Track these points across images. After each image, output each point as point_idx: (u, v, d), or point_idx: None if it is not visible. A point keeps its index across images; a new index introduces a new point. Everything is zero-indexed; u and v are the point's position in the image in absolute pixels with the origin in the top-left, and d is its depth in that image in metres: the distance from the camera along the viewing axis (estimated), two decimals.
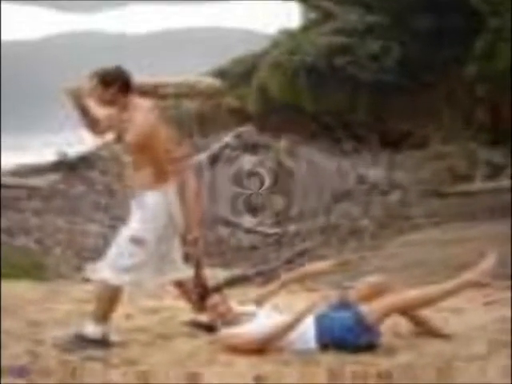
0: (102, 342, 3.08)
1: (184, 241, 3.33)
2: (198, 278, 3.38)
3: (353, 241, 7.63)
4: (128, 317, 3.68)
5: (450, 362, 2.78)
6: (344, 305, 3.18)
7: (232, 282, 5.49)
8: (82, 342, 3.07)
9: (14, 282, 4.56)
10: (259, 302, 3.45)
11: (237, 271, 6.25)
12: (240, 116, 13.97)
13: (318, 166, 10.78)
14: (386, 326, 3.12)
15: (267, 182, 9.53)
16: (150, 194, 3.14)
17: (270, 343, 3.09)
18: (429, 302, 3.13)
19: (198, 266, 3.39)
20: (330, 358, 2.93)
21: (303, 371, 2.80)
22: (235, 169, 9.84)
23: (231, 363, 2.95)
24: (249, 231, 9.09)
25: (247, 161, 10.05)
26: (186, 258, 3.45)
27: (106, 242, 3.94)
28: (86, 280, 4.42)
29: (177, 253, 3.36)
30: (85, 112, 3.21)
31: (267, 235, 8.80)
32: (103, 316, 3.13)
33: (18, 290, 4.31)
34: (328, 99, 13.16)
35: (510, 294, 3.96)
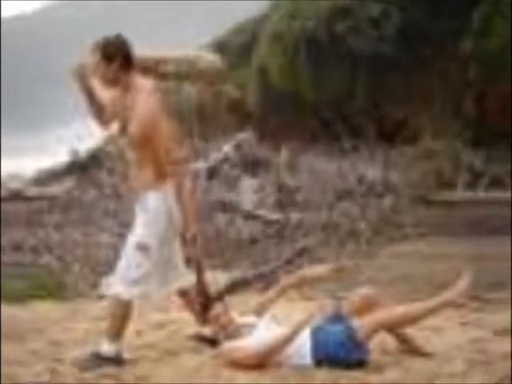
0: (116, 360, 3.18)
1: (184, 240, 3.38)
2: (200, 284, 3.44)
3: (351, 243, 7.69)
4: (138, 333, 3.78)
5: (433, 379, 2.86)
6: (338, 318, 3.24)
7: (232, 288, 5.50)
8: (98, 360, 3.16)
9: (39, 303, 4.64)
10: (259, 311, 3.50)
11: (237, 273, 6.19)
12: (240, 113, 13.73)
13: (319, 171, 10.74)
14: (374, 343, 3.21)
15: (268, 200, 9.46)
16: (151, 196, 3.20)
17: (269, 357, 3.16)
18: (413, 319, 3.20)
19: (199, 270, 3.44)
20: (325, 374, 3.01)
21: None
22: (231, 199, 9.66)
23: (233, 378, 3.02)
24: (248, 216, 8.98)
25: (247, 185, 9.95)
26: (188, 261, 3.50)
27: (116, 252, 4.01)
28: (101, 297, 4.48)
29: (178, 256, 3.41)
30: (91, 96, 3.24)
31: (268, 222, 8.73)
32: (117, 333, 3.21)
33: (43, 310, 4.41)
34: (327, 83, 12.85)
35: (482, 316, 4.04)
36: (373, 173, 10.13)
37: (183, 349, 3.46)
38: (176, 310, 4.25)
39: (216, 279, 5.18)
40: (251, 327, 3.32)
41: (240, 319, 3.42)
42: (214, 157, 10.60)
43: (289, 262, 6.95)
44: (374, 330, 3.15)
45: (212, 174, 10.15)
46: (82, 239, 7.54)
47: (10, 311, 4.19)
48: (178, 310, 4.14)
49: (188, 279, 3.45)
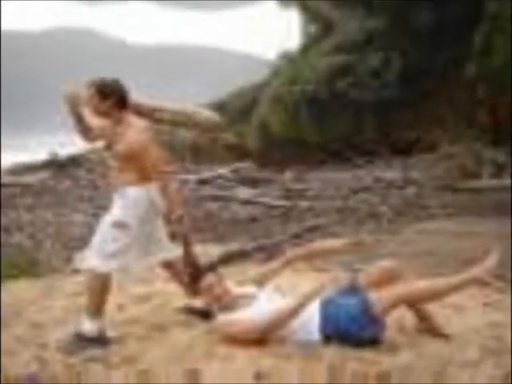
0: (100, 340, 3.40)
1: (168, 220, 3.58)
2: (188, 256, 3.54)
3: (371, 223, 7.84)
4: (120, 308, 3.97)
5: (446, 366, 3.04)
6: (353, 289, 3.31)
7: (227, 259, 5.52)
8: (82, 341, 3.38)
9: (14, 283, 4.87)
10: (260, 282, 3.54)
11: (233, 246, 6.27)
12: (238, 152, 14.47)
13: (331, 179, 11.18)
14: (391, 319, 3.34)
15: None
16: (132, 188, 3.46)
17: (271, 331, 3.20)
18: (436, 295, 3.31)
19: (186, 243, 3.56)
20: (332, 353, 3.11)
21: (304, 368, 2.97)
22: (227, 194, 10.10)
23: (230, 357, 3.13)
24: (246, 202, 9.32)
25: (244, 192, 10.25)
26: (173, 236, 3.68)
27: (90, 230, 4.28)
28: (76, 271, 4.69)
29: (161, 231, 3.62)
30: (79, 119, 3.51)
31: (271, 207, 8.95)
32: (97, 309, 3.43)
33: (18, 290, 4.63)
34: (332, 129, 13.82)
35: (504, 297, 4.24)
36: (391, 175, 10.93)
37: (172, 323, 3.61)
38: (161, 281, 4.41)
39: (207, 252, 5.26)
40: (250, 298, 3.35)
41: (237, 289, 3.46)
42: (207, 174, 11.18)
43: (297, 236, 6.97)
44: (393, 305, 3.21)
45: (202, 183, 10.72)
46: (54, 219, 8.11)
47: None
48: (163, 282, 4.31)
49: (173, 252, 3.65)
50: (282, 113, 14.51)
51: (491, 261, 3.25)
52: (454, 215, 8.14)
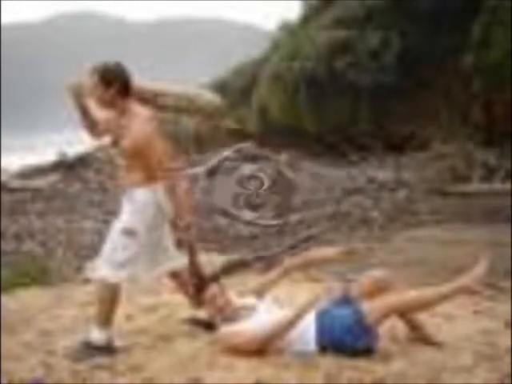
0: (107, 349, 3.32)
1: (175, 227, 3.48)
2: (193, 266, 3.48)
3: (363, 229, 7.78)
4: (128, 318, 3.90)
5: (439, 372, 2.98)
6: (346, 300, 3.27)
7: (230, 269, 5.49)
8: (89, 349, 3.30)
9: (24, 291, 4.79)
10: (259, 292, 3.51)
11: (235, 256, 6.22)
12: (239, 137, 14.17)
13: (324, 175, 11.08)
14: (383, 329, 3.29)
15: (266, 183, 9.62)
16: (139, 191, 3.35)
17: (270, 342, 3.18)
18: (426, 304, 3.26)
19: (191, 252, 3.49)
20: (329, 362, 3.06)
21: (302, 375, 2.94)
22: (235, 177, 10.04)
23: (232, 366, 3.09)
24: (248, 223, 9.11)
25: (247, 168, 10.24)
26: (179, 244, 3.59)
27: (100, 237, 4.17)
28: (87, 280, 4.62)
29: (168, 239, 3.54)
30: (85, 112, 3.40)
31: (268, 226, 8.84)
32: (106, 319, 3.35)
33: (29, 298, 4.56)
34: (329, 115, 13.47)
35: (495, 305, 4.17)
36: (384, 175, 10.64)
37: (177, 334, 3.55)
38: (167, 292, 4.35)
39: (211, 261, 5.19)
40: (251, 310, 3.33)
41: (238, 301, 3.43)
42: (213, 161, 10.97)
43: (293, 247, 6.94)
44: (385, 315, 3.17)
45: (211, 172, 10.51)
46: (65, 226, 7.89)
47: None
48: (170, 293, 4.24)
49: (179, 261, 3.56)
50: (281, 93, 14.14)
51: (480, 269, 3.19)
52: (444, 222, 7.93)
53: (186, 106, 3.86)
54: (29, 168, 12.65)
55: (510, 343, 3.29)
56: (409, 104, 13.13)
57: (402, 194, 9.59)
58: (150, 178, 3.33)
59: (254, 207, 9.98)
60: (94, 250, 3.54)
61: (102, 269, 3.33)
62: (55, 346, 3.46)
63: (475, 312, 3.98)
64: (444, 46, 12.49)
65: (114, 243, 3.32)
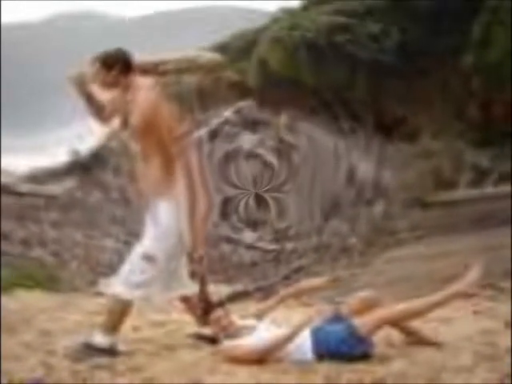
0: (110, 351, 2.92)
1: (190, 259, 3.19)
2: (203, 294, 3.26)
3: (344, 258, 7.46)
4: (135, 329, 3.53)
5: (439, 372, 2.62)
6: (337, 318, 3.05)
7: (234, 297, 5.34)
8: (90, 350, 2.91)
9: (26, 292, 4.37)
10: (259, 316, 3.34)
11: (238, 287, 6.11)
12: (240, 90, 13.26)
13: (318, 142, 10.18)
14: (379, 337, 2.98)
15: (268, 162, 8.91)
16: (162, 206, 2.96)
17: (269, 354, 2.96)
18: (416, 314, 3.00)
19: (202, 283, 3.27)
20: (327, 367, 2.77)
21: (301, 378, 2.68)
22: (234, 147, 9.14)
23: (232, 372, 2.80)
24: (249, 247, 8.78)
25: (247, 139, 9.35)
26: (192, 274, 3.30)
27: (120, 258, 3.81)
28: (99, 294, 4.26)
29: (184, 270, 3.22)
30: (90, 99, 3.07)
31: (266, 251, 8.57)
32: (113, 328, 2.98)
33: (30, 299, 4.15)
34: (327, 75, 12.56)
35: (496, 305, 3.82)
36: (365, 169, 9.43)
37: (182, 345, 3.24)
38: (177, 312, 4.01)
39: (218, 291, 4.95)
40: (251, 329, 3.15)
41: (240, 322, 3.24)
42: (215, 121, 10.01)
43: (286, 277, 6.87)
44: (377, 326, 2.94)
45: (213, 135, 9.58)
46: (83, 240, 7.21)
47: None
48: (180, 313, 3.90)
49: (191, 289, 3.26)
50: (281, 52, 13.20)
51: (473, 274, 2.92)
52: (425, 237, 7.24)
53: (186, 67, 3.48)
54: (40, 171, 10.79)
55: (509, 343, 2.90)
56: (405, 87, 12.06)
57: (378, 208, 8.55)
58: (167, 167, 2.94)
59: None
60: (111, 269, 3.18)
61: (116, 286, 3.00)
62: (55, 346, 3.06)
63: (475, 312, 3.63)
64: (444, 45, 11.50)
65: (133, 266, 2.98)
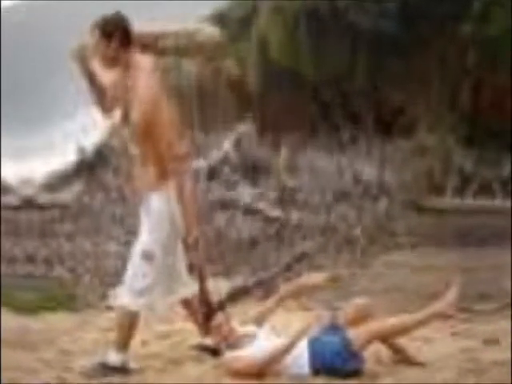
0: (122, 370, 3.15)
1: (186, 245, 3.30)
2: (203, 294, 3.39)
3: (347, 252, 7.66)
4: (144, 343, 3.75)
5: None
6: (334, 328, 3.24)
7: (233, 297, 5.44)
8: (104, 369, 3.13)
9: (50, 314, 4.61)
10: (258, 321, 3.48)
11: (238, 281, 6.05)
12: (239, 92, 12.80)
13: (319, 169, 10.01)
14: (369, 353, 3.18)
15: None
16: (154, 197, 3.11)
17: (268, 366, 3.13)
18: (404, 330, 3.19)
19: (201, 278, 3.39)
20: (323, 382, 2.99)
21: None
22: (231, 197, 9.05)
23: None
24: (248, 211, 8.50)
25: (247, 194, 9.18)
26: (190, 268, 3.45)
27: (123, 262, 3.87)
28: (109, 308, 4.41)
29: (182, 264, 3.36)
30: (92, 81, 3.14)
31: (268, 220, 8.35)
32: (124, 344, 3.18)
33: (53, 321, 4.39)
34: (327, 58, 12.38)
35: (472, 326, 4.01)
36: (369, 172, 9.48)
37: (186, 358, 3.44)
38: (180, 320, 4.19)
39: (218, 287, 5.07)
40: (251, 337, 3.30)
41: (241, 329, 3.39)
42: (214, 156, 9.85)
43: (288, 268, 6.82)
44: (369, 341, 3.13)
45: (212, 175, 9.43)
46: (92, 249, 7.22)
47: (22, 321, 4.17)
48: (182, 321, 4.10)
49: (191, 288, 3.42)
50: (282, 28, 12.46)
51: (451, 295, 3.09)
52: (418, 245, 7.28)
53: (186, 44, 3.49)
54: (53, 176, 10.16)
55: (492, 357, 3.12)
56: (404, 65, 11.51)
57: (382, 204, 8.53)
58: (161, 173, 3.06)
59: None
60: (117, 277, 3.39)
61: (123, 297, 3.17)
62: (73, 364, 3.30)
63: (453, 334, 3.81)
64: (444, 11, 10.93)
65: (135, 269, 3.13)
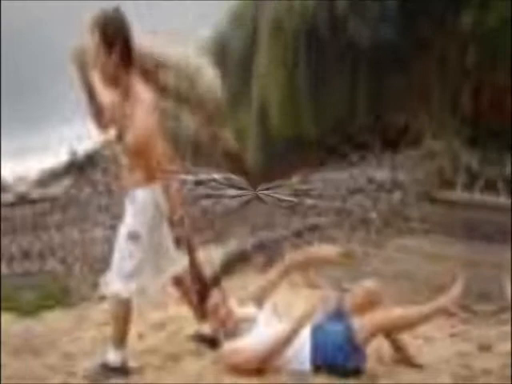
0: (122, 370, 3.44)
1: (171, 223, 3.52)
2: (194, 267, 3.47)
3: (362, 230, 7.91)
4: (140, 337, 4.01)
5: None
6: (339, 315, 3.34)
7: (229, 267, 5.43)
8: (106, 371, 3.41)
9: (49, 313, 4.91)
10: (259, 299, 3.51)
11: (233, 244, 6.20)
12: (237, 165, 13.36)
13: (331, 177, 10.85)
14: (370, 350, 3.36)
15: None
16: (140, 191, 3.38)
17: (269, 360, 3.22)
18: (410, 324, 3.32)
19: (190, 250, 3.50)
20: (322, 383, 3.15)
21: None
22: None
23: None
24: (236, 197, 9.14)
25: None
26: (178, 241, 3.61)
27: (110, 246, 4.21)
28: (102, 298, 4.66)
29: (168, 239, 3.57)
30: (91, 93, 3.36)
31: (280, 200, 8.91)
32: (121, 339, 3.44)
33: (54, 321, 4.70)
34: (328, 107, 12.98)
35: (469, 328, 4.28)
36: (381, 175, 10.44)
37: (185, 353, 3.64)
38: (174, 304, 4.40)
39: (210, 257, 5.15)
40: (251, 322, 3.36)
41: (239, 311, 3.45)
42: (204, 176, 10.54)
43: (298, 234, 6.95)
44: (373, 334, 3.25)
45: (199, 183, 10.05)
46: (80, 236, 7.82)
47: (24, 325, 4.46)
48: (176, 304, 4.29)
49: (181, 263, 3.59)
50: (281, 72, 13.27)
51: (456, 290, 3.23)
52: (431, 232, 7.92)
53: (186, 90, 3.70)
54: (46, 173, 12.17)
55: (483, 365, 3.38)
56: (404, 80, 12.22)
57: (396, 195, 9.46)
58: (149, 178, 3.37)
59: None
60: (105, 262, 3.65)
61: (113, 283, 3.39)
62: (76, 367, 3.58)
63: (451, 335, 4.08)
64: (444, 5, 11.55)
65: (122, 251, 3.36)
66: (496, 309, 4.69)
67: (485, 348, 3.72)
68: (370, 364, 3.38)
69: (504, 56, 9.87)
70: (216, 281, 3.52)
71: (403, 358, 3.47)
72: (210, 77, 3.83)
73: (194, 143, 12.99)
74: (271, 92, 13.90)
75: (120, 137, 3.34)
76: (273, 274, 3.57)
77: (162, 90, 3.60)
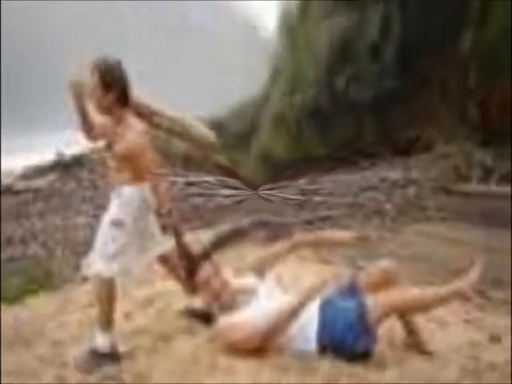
0: (112, 355, 3.57)
1: (159, 214, 3.71)
2: (181, 247, 3.55)
3: (376, 219, 8.14)
4: (127, 316, 4.11)
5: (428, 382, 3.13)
6: (352, 291, 3.27)
7: (221, 243, 5.47)
8: (96, 358, 3.54)
9: (34, 298, 5.03)
10: (260, 269, 3.40)
11: (224, 227, 6.23)
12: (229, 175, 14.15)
13: (341, 179, 11.39)
14: (381, 332, 3.39)
15: None
16: (127, 187, 3.59)
17: (271, 337, 3.10)
18: (425, 306, 3.32)
19: (176, 233, 3.62)
20: (327, 368, 3.12)
21: (301, 379, 3.01)
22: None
23: (231, 368, 3.11)
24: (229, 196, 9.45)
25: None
26: (164, 229, 3.77)
27: (92, 231, 4.40)
28: (85, 279, 4.85)
29: (154, 226, 3.77)
30: (84, 115, 3.60)
31: (286, 199, 9.22)
32: (107, 320, 3.58)
33: (38, 306, 4.80)
34: (336, 138, 13.70)
35: (483, 315, 4.37)
36: (394, 175, 11.21)
37: (176, 331, 3.69)
38: (160, 280, 4.52)
39: (199, 239, 5.20)
40: (250, 294, 3.23)
41: (236, 282, 3.35)
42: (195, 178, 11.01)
43: (309, 222, 7.00)
44: (386, 314, 3.20)
45: (190, 184, 10.56)
46: (62, 223, 8.30)
47: (12, 313, 4.56)
48: (163, 280, 4.40)
49: (166, 244, 3.76)
50: (285, 136, 14.62)
51: (474, 274, 3.27)
52: (448, 219, 8.37)
53: (179, 132, 4.02)
54: (31, 169, 13.42)
55: (491, 358, 3.46)
56: (409, 109, 13.57)
57: (411, 190, 10.16)
58: (137, 178, 3.59)
59: None
60: (87, 246, 3.77)
61: (96, 263, 3.55)
62: (65, 357, 3.66)
63: (465, 321, 4.17)
64: (442, 25, 12.54)
65: (105, 236, 3.54)
66: (507, 297, 4.82)
67: (495, 339, 3.82)
68: (381, 347, 3.40)
69: (507, 62, 10.63)
70: (206, 255, 3.50)
71: (415, 343, 3.52)
72: (204, 129, 4.11)
73: (184, 156, 13.61)
74: (274, 141, 14.26)
75: (109, 146, 3.61)
76: (278, 246, 3.51)
77: (154, 126, 3.91)
